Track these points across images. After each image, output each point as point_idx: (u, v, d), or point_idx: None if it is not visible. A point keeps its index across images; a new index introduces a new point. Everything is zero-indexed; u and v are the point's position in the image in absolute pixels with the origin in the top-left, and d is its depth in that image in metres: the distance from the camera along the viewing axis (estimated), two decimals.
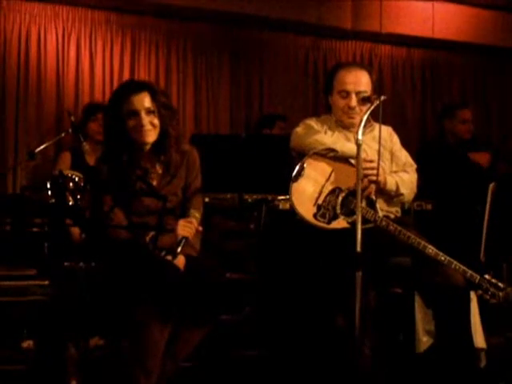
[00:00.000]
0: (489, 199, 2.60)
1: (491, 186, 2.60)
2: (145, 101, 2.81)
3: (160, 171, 2.90)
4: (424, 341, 3.54)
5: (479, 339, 3.58)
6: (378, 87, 5.93)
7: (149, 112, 2.82)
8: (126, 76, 5.29)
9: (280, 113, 5.49)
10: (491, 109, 6.45)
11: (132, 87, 2.89)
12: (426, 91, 6.31)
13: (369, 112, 2.90)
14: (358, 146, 2.73)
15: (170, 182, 2.90)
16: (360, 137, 2.73)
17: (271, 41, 5.78)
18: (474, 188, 4.36)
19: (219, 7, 5.34)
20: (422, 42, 6.14)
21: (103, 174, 2.84)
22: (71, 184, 2.95)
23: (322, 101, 5.81)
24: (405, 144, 5.89)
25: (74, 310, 2.88)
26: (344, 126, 3.25)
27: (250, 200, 4.08)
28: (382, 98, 2.96)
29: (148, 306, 2.58)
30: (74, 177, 2.98)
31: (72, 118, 4.08)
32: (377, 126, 3.25)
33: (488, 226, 2.62)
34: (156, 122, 2.83)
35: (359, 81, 3.21)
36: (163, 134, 2.87)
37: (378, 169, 3.04)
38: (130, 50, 5.38)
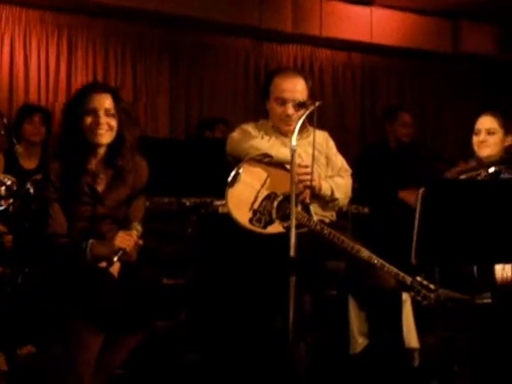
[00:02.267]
0: (418, 204, 2.65)
1: (420, 191, 2.65)
2: (106, 102, 2.79)
3: (110, 177, 2.87)
4: (359, 342, 3.59)
5: (413, 339, 3.67)
6: (319, 91, 6.09)
7: (108, 113, 2.79)
8: (63, 77, 5.21)
9: (220, 116, 5.48)
10: (427, 112, 6.59)
11: (96, 87, 2.88)
12: (365, 95, 6.42)
13: (303, 118, 2.94)
14: (293, 151, 2.76)
15: (117, 188, 2.87)
16: (294, 142, 2.76)
17: (212, 43, 5.77)
18: None
19: (159, 8, 5.31)
20: (361, 47, 6.23)
21: (54, 172, 2.77)
22: (3, 188, 2.90)
23: (261, 104, 5.89)
24: (345, 147, 5.99)
25: (4, 317, 2.83)
26: (281, 132, 3.28)
27: (188, 204, 4.08)
28: (317, 103, 3.01)
29: (81, 313, 2.56)
30: (6, 180, 2.92)
31: (4, 120, 3.99)
32: (314, 130, 3.29)
33: (418, 230, 2.66)
34: (113, 124, 2.80)
35: (296, 88, 3.24)
36: (119, 139, 2.84)
37: (312, 174, 3.08)
38: (66, 51, 5.30)
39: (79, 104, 2.80)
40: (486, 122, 3.52)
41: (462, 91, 6.61)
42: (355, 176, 5.01)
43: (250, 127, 3.32)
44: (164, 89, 5.61)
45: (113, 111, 2.80)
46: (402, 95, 6.50)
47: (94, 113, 2.78)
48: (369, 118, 6.33)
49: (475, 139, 3.53)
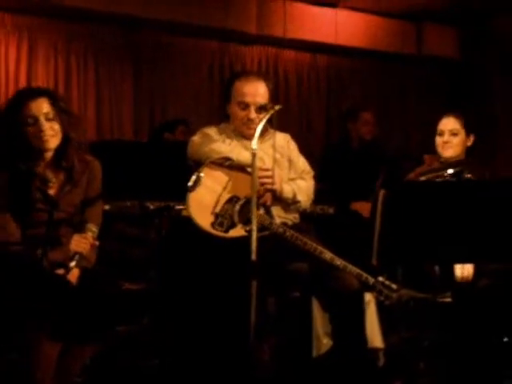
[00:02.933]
0: (379, 205, 2.66)
1: (381, 192, 2.67)
2: (43, 107, 2.74)
3: (61, 180, 2.83)
4: (324, 343, 3.60)
5: (377, 339, 3.69)
6: (283, 92, 6.10)
7: (48, 118, 2.75)
8: (23, 80, 5.13)
9: (184, 118, 5.46)
10: (392, 113, 6.64)
11: (29, 93, 2.82)
12: (330, 96, 6.44)
13: (264, 121, 2.94)
14: (253, 154, 2.76)
15: (70, 191, 2.84)
16: (255, 146, 2.76)
17: (176, 45, 5.74)
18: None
19: (121, 10, 5.27)
20: (326, 48, 6.25)
21: (1, 181, 2.74)
22: None
23: None
24: (310, 148, 6.05)
25: None
26: (243, 135, 3.27)
27: (151, 207, 4.06)
28: (277, 107, 3.01)
29: (39, 320, 2.52)
30: None
31: None
32: (275, 133, 3.29)
33: (379, 231, 2.68)
34: (57, 127, 2.76)
35: (257, 92, 3.23)
36: (65, 140, 2.80)
37: (273, 177, 3.08)
38: (26, 53, 5.22)
39: (16, 114, 2.74)
40: (448, 123, 3.55)
41: (425, 92, 6.69)
42: (319, 176, 5.07)
43: (211, 130, 3.31)
44: (127, 91, 5.56)
45: (52, 115, 2.75)
46: (366, 96, 6.53)
47: (35, 120, 2.73)
48: (334, 120, 6.36)
49: (439, 140, 3.57)
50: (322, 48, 6.25)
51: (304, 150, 5.92)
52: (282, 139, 3.40)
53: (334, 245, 3.84)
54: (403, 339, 3.73)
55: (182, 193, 3.15)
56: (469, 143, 3.56)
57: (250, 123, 3.22)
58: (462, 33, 6.59)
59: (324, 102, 6.41)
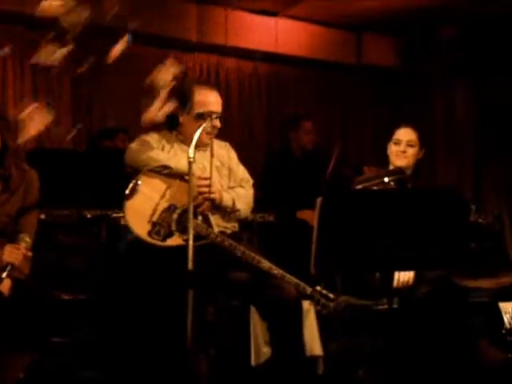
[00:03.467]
0: (317, 213, 2.69)
1: (318, 200, 2.69)
2: None
3: None
4: (264, 351, 3.61)
5: (316, 347, 3.72)
6: (225, 100, 6.06)
7: None
8: None
9: (124, 125, 5.39)
10: (333, 122, 6.71)
11: None
12: (271, 104, 6.46)
13: (201, 129, 2.94)
14: (190, 163, 2.75)
15: (6, 201, 2.77)
16: (191, 154, 2.75)
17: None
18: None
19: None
20: (267, 56, 6.28)
21: None
22: None
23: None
24: (252, 156, 6.05)
25: None
26: (201, 144, 3.24)
27: (89, 215, 4.00)
28: (214, 116, 3.03)
29: None
30: None
31: None
32: (215, 142, 3.29)
33: (317, 240, 2.70)
34: None
35: (219, 101, 3.28)
36: (3, 148, 2.74)
37: (211, 186, 3.07)
38: None
39: None
40: (406, 134, 3.61)
41: (364, 101, 6.78)
42: (260, 185, 5.08)
43: (150, 137, 3.28)
44: (65, 99, 5.45)
45: None
46: (307, 105, 6.57)
47: None
48: (275, 128, 6.37)
49: (394, 148, 3.61)
50: (263, 56, 6.27)
51: (246, 158, 5.96)
52: (222, 148, 3.40)
53: (275, 253, 3.86)
54: (343, 347, 3.76)
55: (120, 200, 3.12)
56: (419, 156, 3.63)
57: (213, 132, 3.23)
58: (402, 42, 6.71)
59: (265, 110, 6.42)
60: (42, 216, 3.81)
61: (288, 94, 6.53)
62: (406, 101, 6.79)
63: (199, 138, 3.19)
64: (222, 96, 5.93)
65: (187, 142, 3.14)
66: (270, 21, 6.13)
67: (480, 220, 4.42)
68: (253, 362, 3.55)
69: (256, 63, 6.34)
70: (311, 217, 4.97)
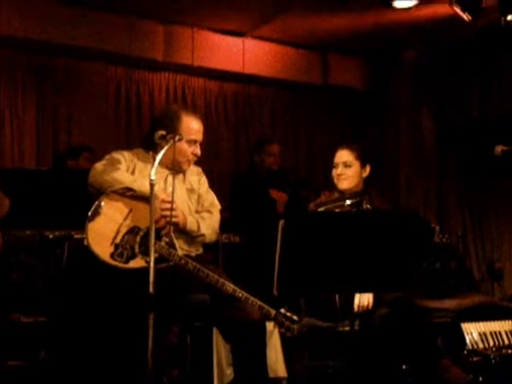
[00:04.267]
0: (279, 235, 2.70)
1: (281, 222, 2.70)
2: None
3: None
4: (227, 373, 3.60)
5: (280, 368, 3.73)
6: None
7: None
8: None
9: (88, 144, 5.36)
10: (299, 142, 6.74)
11: None
12: (239, 124, 6.47)
13: (164, 150, 2.93)
14: (151, 185, 2.74)
15: None
16: (153, 177, 2.75)
17: (80, 70, 5.63)
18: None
19: (25, 34, 5.14)
20: (234, 77, 6.30)
21: None
22: None
23: (134, 132, 5.81)
24: (219, 177, 6.04)
25: None
26: (179, 169, 3.25)
27: (51, 236, 3.96)
28: (177, 138, 3.03)
29: None
30: None
31: None
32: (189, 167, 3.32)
33: (280, 262, 2.71)
34: None
35: (202, 129, 3.33)
36: None
37: (174, 209, 3.06)
38: None
39: None
40: (342, 156, 3.63)
41: (330, 122, 6.82)
42: (228, 206, 5.09)
43: (121, 156, 3.25)
44: (30, 117, 5.38)
45: None
46: (274, 124, 6.60)
47: None
48: (242, 147, 6.39)
49: (334, 172, 3.64)
50: (230, 76, 6.29)
51: (213, 178, 5.97)
52: (195, 173, 3.42)
53: (240, 273, 3.86)
54: (306, 367, 3.77)
55: (83, 221, 3.09)
56: (365, 174, 3.63)
57: (193, 159, 3.30)
58: (368, 64, 6.79)
59: (233, 130, 6.43)
60: (4, 237, 3.76)
61: (255, 113, 6.54)
62: (372, 122, 6.86)
63: (178, 163, 3.21)
64: None
65: (164, 164, 3.15)
66: (237, 41, 6.15)
67: (444, 240, 4.48)
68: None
69: (223, 83, 6.35)
70: (281, 197, 5.11)
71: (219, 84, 6.34)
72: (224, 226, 3.78)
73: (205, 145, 6.03)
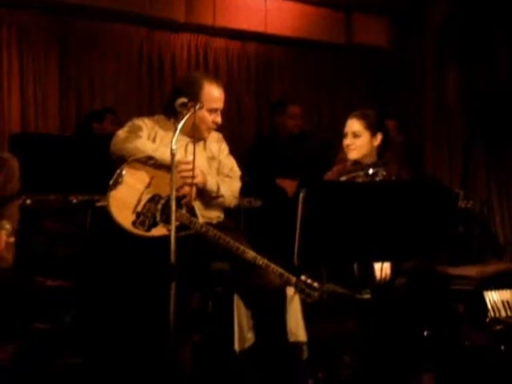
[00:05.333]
0: (300, 206, 2.69)
1: (302, 192, 2.69)
2: None
3: None
4: (248, 337, 3.63)
5: (301, 333, 3.74)
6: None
7: None
8: None
9: (113, 106, 5.36)
10: (322, 103, 6.68)
11: None
12: (260, 84, 6.42)
13: (185, 119, 2.92)
14: (172, 155, 2.74)
15: None
16: (174, 146, 2.74)
17: (102, 31, 5.60)
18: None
19: None
20: (256, 37, 6.22)
21: None
22: None
23: (156, 93, 5.79)
24: (241, 137, 6.02)
25: None
26: (200, 136, 3.24)
27: (74, 201, 3.99)
28: (198, 106, 3.01)
29: None
30: None
31: None
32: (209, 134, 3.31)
33: (300, 232, 2.71)
34: None
35: (223, 98, 3.31)
36: None
37: (193, 170, 3.06)
38: None
39: None
40: (351, 125, 3.57)
41: (354, 83, 6.74)
42: (247, 169, 5.07)
43: (142, 123, 3.25)
44: (53, 80, 5.38)
45: None
46: (296, 85, 6.53)
47: None
48: (264, 107, 6.34)
49: (344, 142, 3.60)
50: (252, 36, 6.21)
51: (235, 140, 5.95)
52: (215, 140, 3.42)
53: (260, 238, 3.86)
54: (327, 332, 3.80)
55: (106, 186, 3.11)
56: (376, 142, 3.56)
57: (213, 127, 3.30)
58: (392, 23, 6.65)
59: (254, 90, 6.37)
60: (28, 201, 3.80)
61: (277, 73, 6.48)
62: (396, 81, 6.75)
63: (200, 130, 3.21)
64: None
65: (185, 132, 3.13)
66: (259, 1, 6.06)
67: (468, 205, 4.44)
68: (236, 348, 3.57)
69: (245, 43, 6.28)
70: (289, 186, 5.03)
71: (241, 44, 6.27)
72: (245, 189, 3.79)
73: (226, 106, 6.05)
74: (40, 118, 5.28)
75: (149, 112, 5.69)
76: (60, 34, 5.43)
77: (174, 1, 5.64)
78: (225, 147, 3.47)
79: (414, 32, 6.58)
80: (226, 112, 3.38)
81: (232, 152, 3.59)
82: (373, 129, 3.54)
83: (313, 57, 6.60)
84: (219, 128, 3.42)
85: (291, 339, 3.55)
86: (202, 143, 3.33)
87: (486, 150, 6.32)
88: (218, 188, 3.24)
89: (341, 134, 3.68)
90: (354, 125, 3.56)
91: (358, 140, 3.52)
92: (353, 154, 3.54)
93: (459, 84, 6.40)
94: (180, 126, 2.82)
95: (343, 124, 3.60)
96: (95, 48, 5.57)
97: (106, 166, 3.25)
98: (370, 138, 3.53)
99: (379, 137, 3.55)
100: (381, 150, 3.56)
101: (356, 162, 3.54)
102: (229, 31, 6.05)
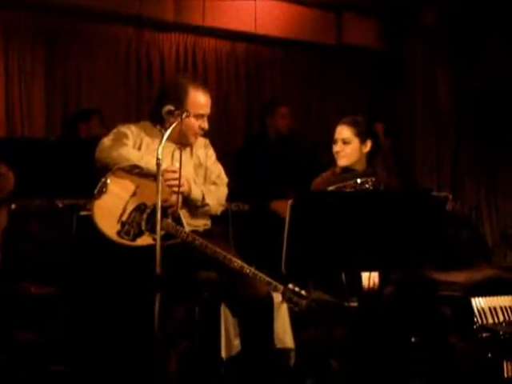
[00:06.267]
0: (288, 214, 2.67)
1: (289, 202, 2.68)
2: None
3: None
4: (235, 344, 3.61)
5: (288, 339, 3.73)
6: (202, 80, 6.02)
7: None
8: None
9: (100, 106, 5.31)
10: (311, 103, 6.65)
11: None
12: (250, 84, 6.39)
13: (171, 128, 2.89)
14: (158, 164, 2.70)
15: None
16: (160, 156, 2.71)
17: (90, 32, 5.54)
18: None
19: None
20: (246, 37, 6.18)
21: None
22: None
23: (144, 93, 5.75)
24: (230, 138, 6.00)
25: None
26: (186, 142, 3.21)
27: (60, 205, 3.95)
28: (185, 114, 2.98)
29: None
30: None
31: None
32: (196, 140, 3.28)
33: (288, 240, 2.69)
34: None
35: (209, 102, 3.27)
36: None
37: (179, 179, 3.03)
38: None
39: None
40: (341, 132, 3.56)
41: (344, 83, 6.72)
42: (235, 170, 5.03)
43: (128, 130, 3.20)
44: (39, 80, 5.32)
45: None
46: (286, 85, 6.50)
47: None
48: (253, 108, 6.31)
49: (333, 149, 3.58)
50: (241, 36, 6.17)
51: (224, 140, 5.91)
52: (202, 146, 3.38)
53: (249, 243, 3.83)
54: (314, 337, 3.78)
55: (92, 190, 3.07)
56: (365, 149, 3.55)
57: (200, 133, 3.26)
58: (383, 24, 6.63)
59: (243, 91, 6.34)
60: (13, 206, 3.76)
61: (266, 74, 6.45)
62: (386, 82, 6.74)
63: (186, 136, 3.18)
64: (199, 76, 5.97)
65: (171, 138, 3.06)
66: (248, 0, 6.02)
67: (456, 208, 4.44)
68: (223, 355, 3.54)
69: (234, 43, 6.23)
70: (283, 208, 4.96)
71: (230, 44, 6.24)
72: (233, 194, 3.76)
73: (215, 105, 6.01)
74: (26, 118, 5.22)
75: (136, 112, 5.68)
76: (47, 33, 5.37)
77: (162, 0, 5.60)
78: (212, 153, 3.43)
79: (405, 32, 6.56)
80: (214, 112, 3.36)
81: (220, 152, 3.57)
82: (363, 136, 3.52)
83: (303, 57, 6.57)
84: (208, 131, 3.39)
85: (278, 345, 3.53)
86: (188, 149, 3.30)
87: (477, 152, 6.32)
88: (203, 197, 3.21)
89: (330, 135, 3.67)
90: (343, 131, 3.54)
91: (348, 147, 3.51)
92: (342, 161, 3.53)
93: (450, 85, 6.39)
94: (166, 135, 2.80)
95: (333, 125, 3.59)
96: (82, 48, 5.52)
97: (92, 170, 3.22)
98: (359, 145, 3.52)
99: (369, 144, 3.54)
100: (370, 157, 3.54)
101: (345, 169, 3.52)
102: (218, 31, 6.01)
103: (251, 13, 6.04)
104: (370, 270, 3.13)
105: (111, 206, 2.97)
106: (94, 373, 3.26)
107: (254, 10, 6.05)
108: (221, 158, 3.54)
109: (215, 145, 3.53)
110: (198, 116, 3.22)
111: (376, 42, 6.61)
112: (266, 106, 5.62)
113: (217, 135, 3.47)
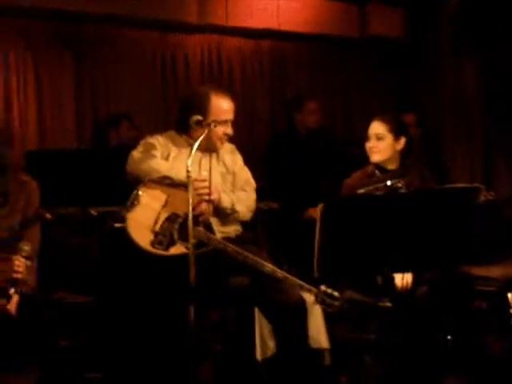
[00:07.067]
0: (318, 219, 2.70)
1: (319, 206, 2.70)
2: None
3: None
4: (271, 346, 3.64)
5: (323, 340, 3.75)
6: (227, 80, 6.04)
7: None
8: None
9: (127, 111, 5.37)
10: (337, 97, 6.62)
11: None
12: (275, 82, 6.36)
13: (201, 138, 2.93)
14: (188, 177, 2.74)
15: (7, 215, 2.79)
16: (190, 168, 2.75)
17: (116, 38, 5.59)
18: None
19: (60, 6, 5.09)
20: (269, 34, 6.18)
21: None
22: None
23: (171, 96, 5.79)
24: (255, 136, 6.01)
25: None
26: (212, 149, 3.25)
27: (95, 214, 4.00)
28: (213, 125, 3.02)
29: None
30: None
31: None
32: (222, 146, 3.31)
33: (319, 245, 2.71)
34: None
35: (233, 108, 3.32)
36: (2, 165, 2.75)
37: (209, 187, 3.07)
38: None
39: None
40: (374, 128, 3.56)
41: (369, 76, 6.67)
42: (265, 170, 5.03)
43: (156, 140, 3.27)
44: (69, 87, 5.37)
45: None
46: (311, 81, 6.47)
47: None
48: (279, 106, 6.29)
49: (367, 145, 3.59)
50: (265, 34, 6.16)
51: (249, 139, 5.91)
52: (229, 152, 3.41)
53: (281, 244, 3.84)
54: (349, 336, 3.80)
55: (125, 197, 3.13)
56: (399, 147, 3.56)
57: (226, 138, 3.29)
58: (407, 13, 6.56)
59: (268, 88, 6.32)
60: (48, 215, 3.83)
61: (291, 70, 6.42)
62: (412, 73, 6.67)
63: (212, 143, 3.22)
64: (224, 76, 5.99)
65: (198, 146, 3.12)
66: None
67: (489, 197, 4.39)
68: (258, 357, 3.58)
69: (258, 41, 6.23)
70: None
71: (255, 43, 6.22)
72: (263, 193, 3.79)
73: (241, 104, 6.03)
74: (57, 127, 5.29)
75: (164, 115, 5.72)
76: (75, 42, 5.41)
77: (186, 3, 5.62)
78: (239, 158, 3.47)
79: (430, 21, 6.48)
80: (240, 112, 3.38)
81: (246, 152, 3.60)
82: (396, 132, 3.53)
83: (327, 51, 6.53)
84: (233, 136, 3.42)
85: (313, 345, 3.56)
86: (215, 157, 3.33)
87: (509, 142, 6.23)
88: (233, 205, 3.25)
89: (355, 129, 3.69)
90: (377, 127, 3.55)
91: (381, 143, 3.52)
92: (376, 157, 3.54)
93: (478, 72, 6.29)
94: (195, 146, 2.83)
95: (358, 120, 3.60)
96: (109, 55, 5.57)
97: (123, 177, 3.27)
98: (392, 142, 3.53)
99: (402, 141, 3.54)
100: (404, 157, 3.55)
101: (378, 166, 3.53)
102: (241, 30, 6.01)
103: (274, 10, 6.03)
104: (403, 271, 3.14)
105: (144, 218, 3.03)
106: (127, 380, 3.32)
107: (276, 7, 6.03)
108: (247, 161, 3.57)
109: (242, 145, 3.56)
110: (222, 122, 3.24)
111: (401, 33, 6.53)
112: (292, 102, 5.58)
113: (243, 135, 3.48)
